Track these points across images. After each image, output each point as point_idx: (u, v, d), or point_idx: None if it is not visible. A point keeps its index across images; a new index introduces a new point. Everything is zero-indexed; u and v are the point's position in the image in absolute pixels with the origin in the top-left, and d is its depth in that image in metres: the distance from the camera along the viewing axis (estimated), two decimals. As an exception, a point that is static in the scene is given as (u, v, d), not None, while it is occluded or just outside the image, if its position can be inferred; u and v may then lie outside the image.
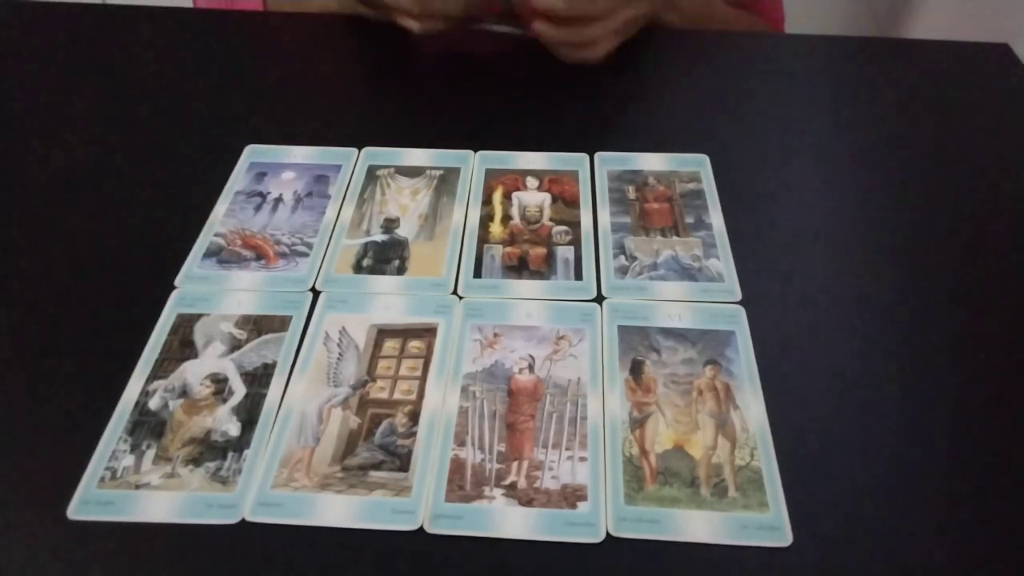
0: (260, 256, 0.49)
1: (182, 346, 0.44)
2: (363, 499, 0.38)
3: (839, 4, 1.81)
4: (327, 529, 0.37)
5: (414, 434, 0.40)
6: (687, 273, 0.48)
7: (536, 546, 0.36)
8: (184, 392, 0.42)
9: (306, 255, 0.50)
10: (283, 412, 0.41)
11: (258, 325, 0.45)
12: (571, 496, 0.38)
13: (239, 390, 0.42)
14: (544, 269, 0.49)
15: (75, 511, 0.37)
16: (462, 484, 0.39)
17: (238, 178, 0.55)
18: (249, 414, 0.41)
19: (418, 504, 0.38)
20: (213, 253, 0.50)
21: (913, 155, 0.58)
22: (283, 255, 0.50)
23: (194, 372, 0.43)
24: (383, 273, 0.49)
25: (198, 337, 0.45)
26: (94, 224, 0.51)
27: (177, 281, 0.48)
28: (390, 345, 0.45)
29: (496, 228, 0.51)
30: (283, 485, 0.38)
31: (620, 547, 0.36)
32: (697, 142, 0.58)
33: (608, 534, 0.37)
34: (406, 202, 0.53)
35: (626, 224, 0.52)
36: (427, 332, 0.45)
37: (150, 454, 0.40)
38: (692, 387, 0.42)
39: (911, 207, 0.54)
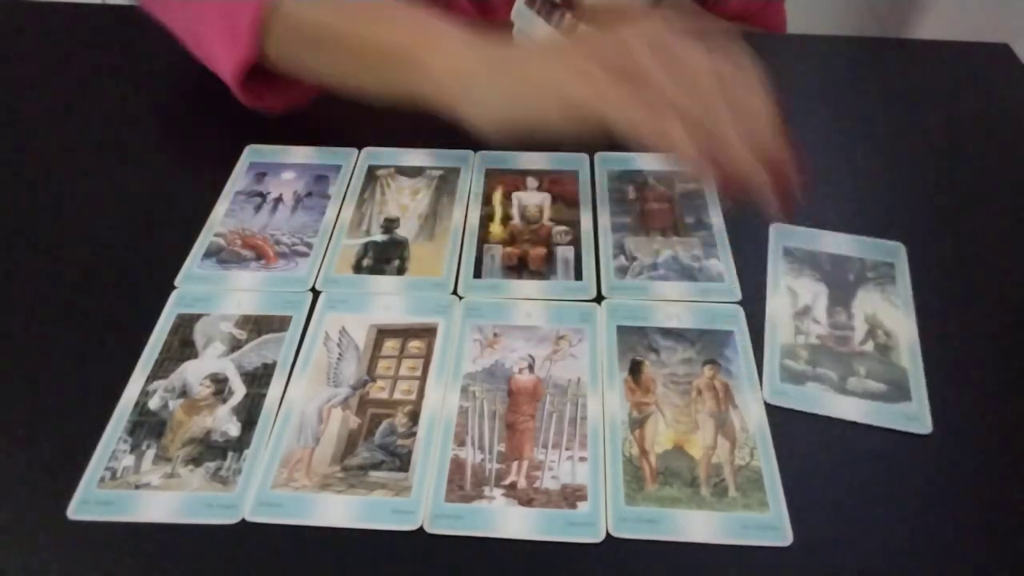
0: (260, 256, 0.49)
1: (182, 346, 0.44)
2: (363, 499, 0.38)
3: (839, 4, 1.81)
4: (327, 529, 0.37)
5: (414, 434, 0.40)
6: (687, 273, 0.48)
7: (536, 546, 0.36)
8: (184, 392, 0.42)
9: (306, 255, 0.49)
10: (283, 412, 0.41)
11: (258, 325, 0.45)
12: (571, 496, 0.38)
13: (239, 390, 0.42)
14: (544, 269, 0.49)
15: (75, 511, 0.37)
16: (462, 484, 0.39)
17: (238, 178, 0.55)
18: (249, 414, 0.41)
19: (418, 504, 0.38)
20: (213, 253, 0.50)
21: (913, 155, 0.58)
22: (283, 255, 0.50)
23: (194, 372, 0.43)
24: (383, 273, 0.49)
25: (198, 337, 0.45)
26: (94, 224, 0.51)
27: (177, 281, 0.48)
28: (390, 345, 0.45)
29: (496, 228, 0.51)
30: (283, 485, 0.38)
31: (620, 547, 0.36)
32: (697, 142, 0.57)
33: (608, 534, 0.37)
34: (406, 202, 0.53)
35: (626, 224, 0.52)
36: (427, 332, 0.45)
37: (150, 454, 0.40)
38: (691, 387, 0.42)
39: (910, 206, 0.54)
